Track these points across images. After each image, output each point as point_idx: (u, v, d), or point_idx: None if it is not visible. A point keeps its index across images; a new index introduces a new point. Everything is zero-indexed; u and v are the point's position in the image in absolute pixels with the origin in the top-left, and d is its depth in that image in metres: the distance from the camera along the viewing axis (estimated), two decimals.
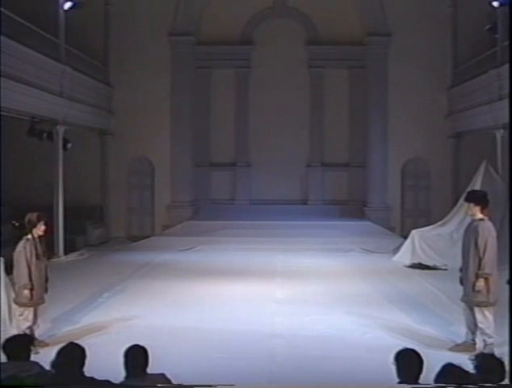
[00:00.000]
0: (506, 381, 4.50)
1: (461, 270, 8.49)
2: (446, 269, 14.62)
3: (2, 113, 13.90)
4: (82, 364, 4.72)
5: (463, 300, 8.45)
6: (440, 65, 20.97)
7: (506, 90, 14.37)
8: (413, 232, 16.66)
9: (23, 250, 8.37)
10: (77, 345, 4.85)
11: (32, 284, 8.38)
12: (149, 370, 4.85)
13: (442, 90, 20.98)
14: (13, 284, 8.87)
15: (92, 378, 4.70)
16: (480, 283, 8.06)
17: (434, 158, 21.06)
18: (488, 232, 8.15)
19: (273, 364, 7.83)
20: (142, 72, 20.98)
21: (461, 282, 8.45)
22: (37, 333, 8.67)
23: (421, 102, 20.78)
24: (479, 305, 8.16)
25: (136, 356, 4.83)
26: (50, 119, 16.70)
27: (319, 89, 22.13)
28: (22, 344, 5.17)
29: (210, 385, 4.66)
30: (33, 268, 8.40)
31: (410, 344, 6.12)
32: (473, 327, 8.31)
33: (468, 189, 12.36)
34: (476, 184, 15.03)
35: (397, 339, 8.71)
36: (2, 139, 16.45)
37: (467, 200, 8.61)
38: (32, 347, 5.49)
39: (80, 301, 11.44)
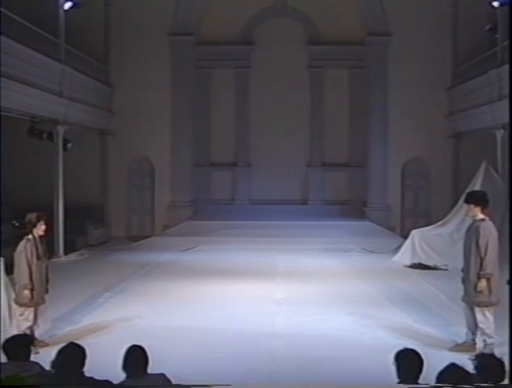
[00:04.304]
0: (506, 381, 4.50)
1: (463, 270, 8.48)
2: (446, 269, 14.64)
3: (2, 113, 13.90)
4: (82, 364, 4.72)
5: (464, 300, 8.44)
6: (440, 65, 20.98)
7: (506, 90, 14.37)
8: (413, 232, 16.65)
9: (24, 251, 8.37)
10: (78, 345, 4.85)
11: (33, 285, 8.39)
12: (149, 370, 4.85)
13: (442, 90, 20.99)
14: (13, 284, 8.87)
15: (92, 378, 4.70)
16: (483, 283, 8.06)
17: (434, 158, 21.07)
18: (490, 232, 8.16)
19: (273, 364, 7.83)
20: (142, 72, 20.97)
21: (463, 282, 8.45)
22: (37, 333, 8.68)
23: (421, 102, 20.78)
24: (481, 305, 8.15)
25: (136, 356, 4.83)
26: (50, 119, 16.70)
27: (319, 89, 22.14)
28: (22, 344, 5.17)
29: (209, 385, 4.66)
30: (34, 268, 8.40)
31: (410, 344, 6.11)
32: (473, 327, 8.31)
33: (468, 189, 12.38)
34: (477, 184, 15.03)
35: (397, 339, 8.71)
36: (2, 139, 16.44)
37: (467, 201, 8.60)
38: (32, 347, 5.50)
39: (80, 301, 11.44)
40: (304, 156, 22.20)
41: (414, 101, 20.81)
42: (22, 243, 8.47)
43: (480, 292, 8.09)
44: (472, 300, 8.24)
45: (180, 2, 21.15)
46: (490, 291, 8.09)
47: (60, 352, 4.72)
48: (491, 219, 8.40)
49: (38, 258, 8.48)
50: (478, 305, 8.17)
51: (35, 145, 17.56)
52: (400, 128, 20.84)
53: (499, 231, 8.85)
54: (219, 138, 22.17)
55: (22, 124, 16.62)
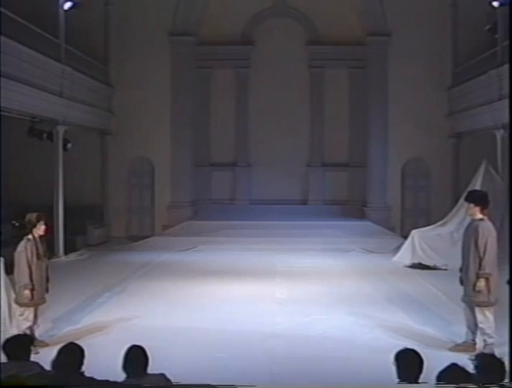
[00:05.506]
0: (506, 381, 4.50)
1: (461, 270, 8.48)
2: (446, 269, 14.62)
3: (2, 113, 13.90)
4: (81, 364, 4.73)
5: (463, 300, 8.44)
6: (440, 65, 20.99)
7: (506, 90, 14.37)
8: (413, 232, 16.65)
9: (24, 251, 8.38)
10: (77, 345, 4.86)
11: (33, 284, 8.39)
12: (149, 370, 4.85)
13: (442, 90, 20.99)
14: (13, 284, 8.87)
15: (92, 378, 4.70)
16: (481, 283, 8.05)
17: (434, 158, 21.07)
18: (489, 232, 8.15)
19: (273, 364, 7.83)
20: (142, 72, 20.98)
21: (461, 282, 8.45)
22: (37, 333, 8.68)
23: (421, 102, 20.79)
24: (480, 305, 8.15)
25: (136, 356, 4.82)
26: (50, 119, 16.70)
27: (319, 89, 22.14)
28: (22, 344, 5.17)
29: (210, 385, 4.66)
30: (34, 268, 8.40)
31: (410, 344, 6.11)
32: (474, 327, 8.31)
33: (468, 189, 12.37)
34: (476, 184, 15.04)
35: (397, 339, 8.70)
36: (2, 139, 16.44)
37: (467, 199, 8.61)
38: (32, 347, 5.49)
39: (80, 301, 11.43)
40: (304, 156, 22.22)
41: (414, 101, 20.82)
42: (22, 243, 8.47)
43: (479, 291, 8.09)
44: (471, 300, 8.24)
45: (180, 2, 21.16)
46: (489, 291, 8.08)
47: (60, 352, 4.73)
48: (490, 219, 8.39)
49: (38, 258, 8.48)
50: (478, 305, 8.17)
51: (35, 145, 17.56)
52: (400, 128, 20.85)
53: (498, 231, 8.85)
54: (219, 138, 22.18)
55: (22, 124, 16.62)
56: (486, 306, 8.13)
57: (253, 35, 22.23)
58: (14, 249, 8.58)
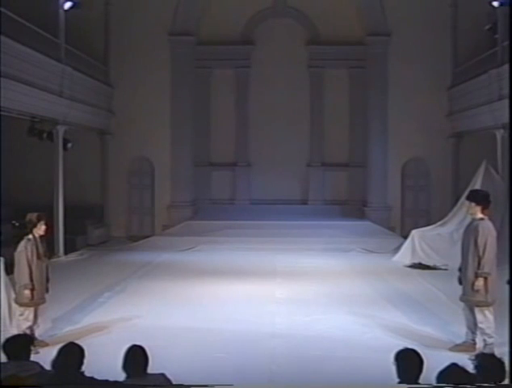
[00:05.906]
0: (506, 381, 4.50)
1: (460, 269, 8.49)
2: (446, 269, 14.61)
3: (2, 113, 13.91)
4: (81, 363, 4.73)
5: (461, 299, 8.44)
6: (440, 65, 20.98)
7: (506, 90, 14.38)
8: (413, 232, 16.67)
9: (24, 250, 8.38)
10: (77, 345, 4.86)
11: (33, 284, 8.40)
12: (149, 370, 4.85)
13: (442, 90, 20.99)
14: (13, 284, 8.87)
15: (92, 378, 4.70)
16: (480, 282, 8.06)
17: (434, 158, 21.07)
18: (488, 231, 8.15)
19: (273, 364, 7.83)
20: (142, 72, 20.98)
21: (460, 281, 8.46)
22: (37, 333, 8.68)
23: (421, 102, 20.78)
24: (477, 304, 8.16)
25: (136, 356, 4.83)
26: (50, 119, 16.71)
27: (319, 89, 22.14)
28: (22, 344, 5.17)
29: (210, 385, 4.66)
30: (34, 268, 8.41)
31: (410, 344, 6.10)
32: (473, 327, 8.31)
33: (468, 189, 12.38)
34: (476, 184, 15.04)
35: (397, 339, 8.71)
36: (2, 139, 16.44)
37: (468, 198, 8.61)
38: (32, 347, 5.50)
39: (80, 301, 11.44)
40: (304, 156, 22.21)
41: (414, 101, 20.81)
42: (22, 243, 8.48)
43: (477, 291, 8.09)
44: (469, 299, 8.24)
45: (180, 2, 21.16)
46: (487, 290, 8.08)
47: (60, 352, 4.73)
48: (491, 219, 8.39)
49: (38, 257, 8.48)
50: (476, 305, 8.17)
51: (35, 145, 17.57)
52: (400, 128, 20.84)
53: (498, 231, 8.85)
54: (219, 138, 22.17)
55: (22, 124, 16.62)
56: (483, 306, 8.12)
57: (253, 35, 22.23)
58: (14, 249, 8.58)
